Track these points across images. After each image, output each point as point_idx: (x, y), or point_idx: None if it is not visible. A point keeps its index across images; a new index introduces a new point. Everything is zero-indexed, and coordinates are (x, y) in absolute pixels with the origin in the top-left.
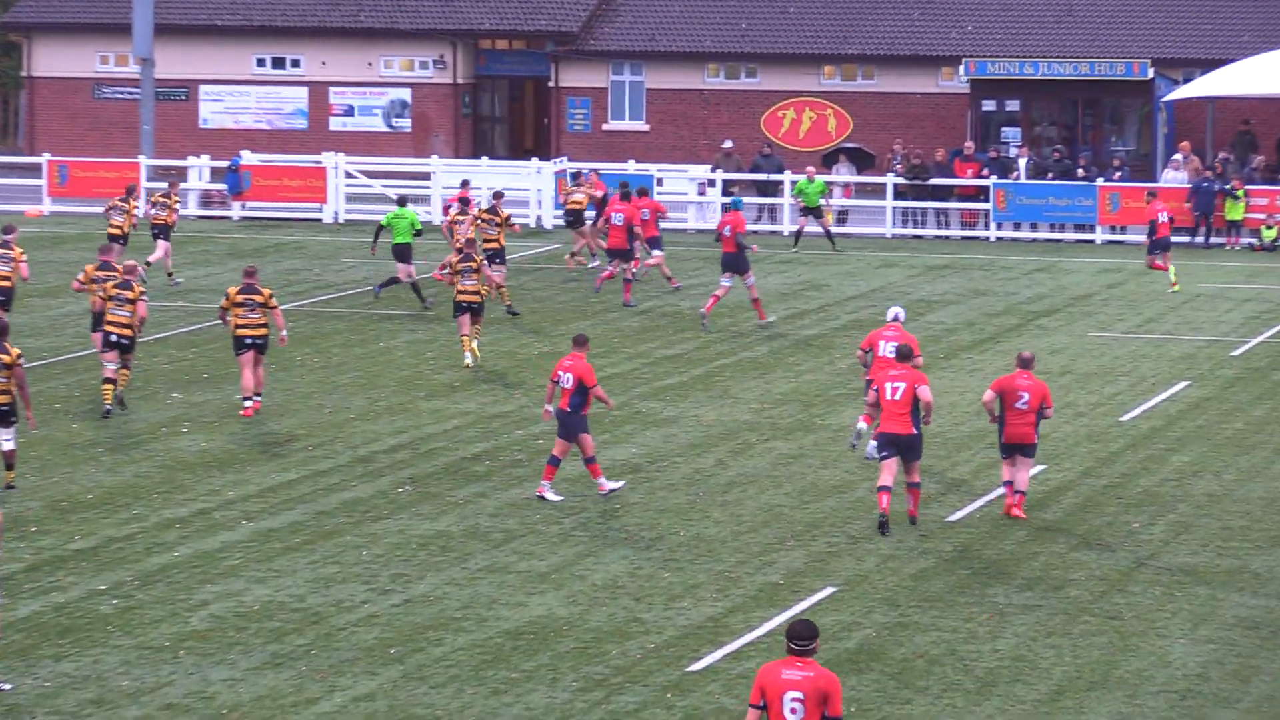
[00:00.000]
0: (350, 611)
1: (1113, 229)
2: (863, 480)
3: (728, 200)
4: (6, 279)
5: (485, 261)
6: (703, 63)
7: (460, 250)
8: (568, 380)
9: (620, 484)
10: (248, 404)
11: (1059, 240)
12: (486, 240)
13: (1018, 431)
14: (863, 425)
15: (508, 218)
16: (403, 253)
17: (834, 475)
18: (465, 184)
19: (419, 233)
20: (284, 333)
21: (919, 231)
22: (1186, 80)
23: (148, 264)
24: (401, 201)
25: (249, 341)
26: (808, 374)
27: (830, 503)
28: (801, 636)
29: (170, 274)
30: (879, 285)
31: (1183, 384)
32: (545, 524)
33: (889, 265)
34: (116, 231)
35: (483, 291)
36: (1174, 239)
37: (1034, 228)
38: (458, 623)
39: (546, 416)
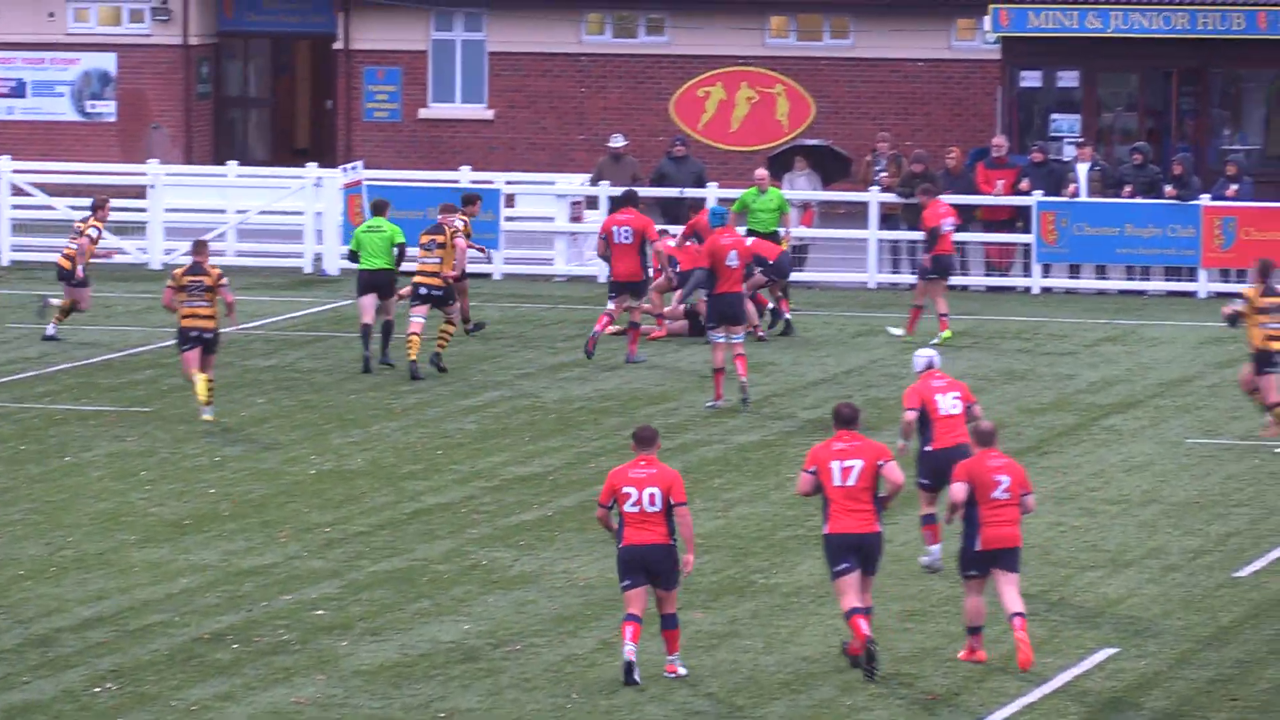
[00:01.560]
0: None
1: (1225, 274)
2: (831, 671)
3: (712, 209)
4: None
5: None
6: (579, 11)
7: (193, 263)
8: (653, 500)
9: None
10: None
11: (1140, 293)
12: (425, 274)
13: (1002, 532)
14: (932, 549)
15: (455, 232)
16: (376, 283)
17: (782, 664)
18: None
19: (402, 253)
20: None
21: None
22: None
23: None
24: (378, 208)
25: None
26: (741, 505)
27: (778, 708)
28: None
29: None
30: (857, 365)
31: None
32: None
33: (872, 332)
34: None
35: (217, 316)
36: None
37: (1101, 272)
38: None
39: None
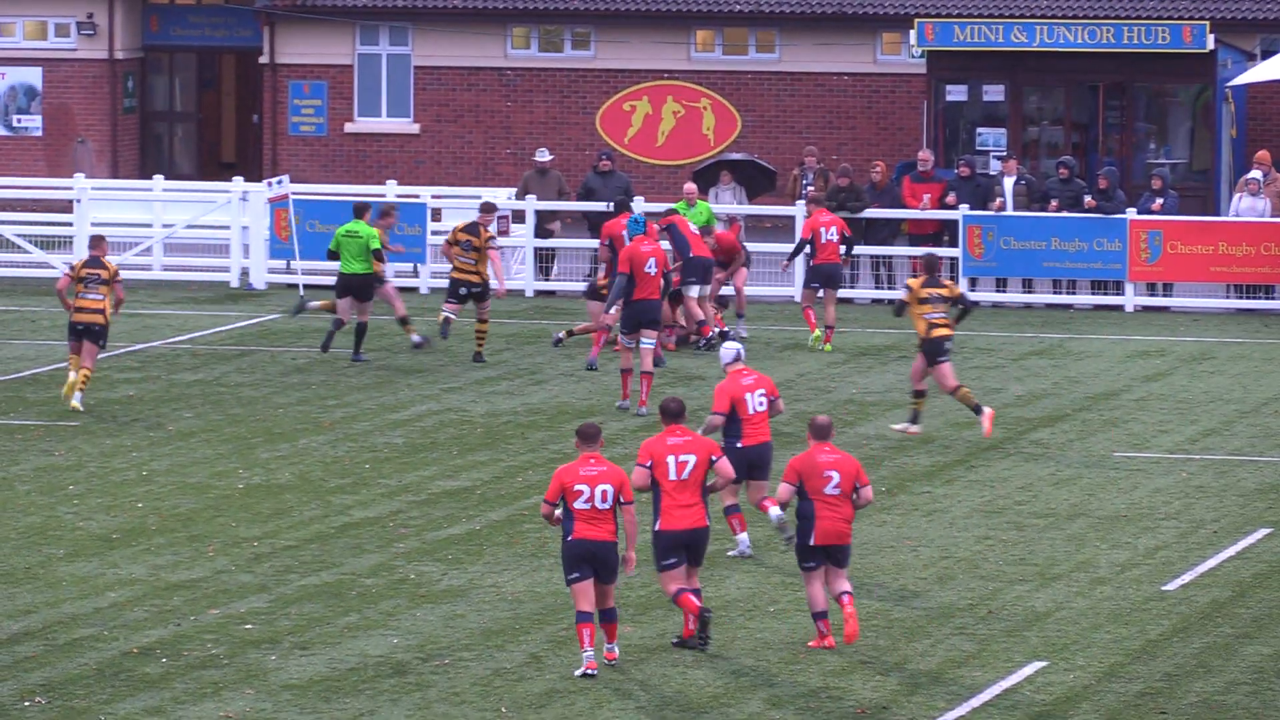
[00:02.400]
0: None
1: (1152, 288)
2: (761, 685)
3: (632, 217)
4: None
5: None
6: (504, 24)
7: (91, 256)
8: (604, 496)
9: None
10: None
11: (1066, 306)
12: (463, 271)
13: (833, 527)
14: (775, 511)
15: (490, 238)
16: (352, 286)
17: (712, 678)
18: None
19: (379, 258)
20: None
21: (846, 292)
22: (1268, 55)
23: None
24: (358, 210)
25: None
26: None
27: None
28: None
29: None
30: (783, 378)
31: (1263, 531)
32: None
33: (798, 347)
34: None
35: (107, 310)
36: (1253, 304)
37: (1027, 286)
38: None
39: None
